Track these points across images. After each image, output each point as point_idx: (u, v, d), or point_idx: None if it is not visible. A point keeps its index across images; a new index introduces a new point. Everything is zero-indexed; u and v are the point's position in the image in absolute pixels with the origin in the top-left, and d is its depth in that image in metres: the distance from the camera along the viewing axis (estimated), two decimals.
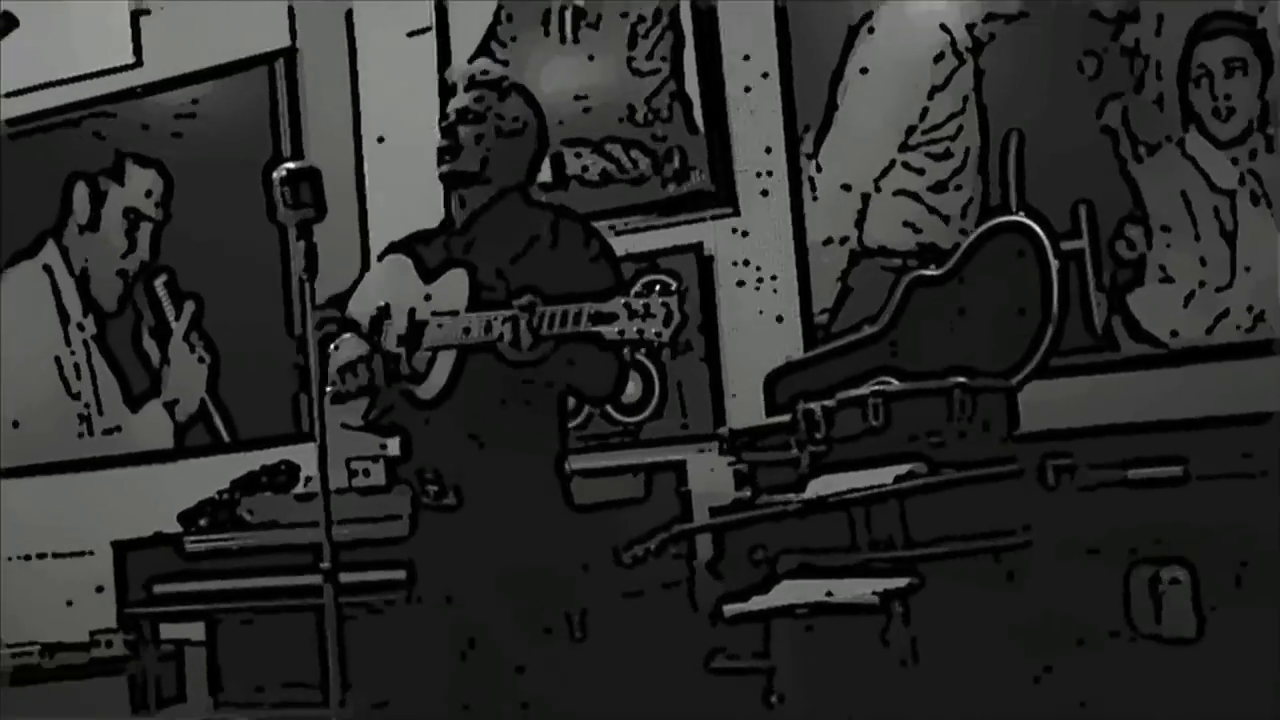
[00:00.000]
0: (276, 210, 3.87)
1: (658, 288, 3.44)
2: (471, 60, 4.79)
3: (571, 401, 4.19)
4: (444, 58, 6.57)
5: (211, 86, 7.12)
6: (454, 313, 3.90)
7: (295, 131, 6.94)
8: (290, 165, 3.89)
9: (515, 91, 4.26)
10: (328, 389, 3.96)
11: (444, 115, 4.16)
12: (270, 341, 6.84)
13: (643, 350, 3.49)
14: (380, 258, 4.31)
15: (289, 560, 5.72)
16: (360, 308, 4.25)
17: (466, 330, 3.82)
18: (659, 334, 3.41)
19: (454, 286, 4.00)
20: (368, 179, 6.82)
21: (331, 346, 4.13)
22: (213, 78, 7.13)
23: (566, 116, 6.32)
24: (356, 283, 4.34)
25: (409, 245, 4.25)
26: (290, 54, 7.02)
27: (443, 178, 4.12)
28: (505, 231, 4.10)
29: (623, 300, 3.45)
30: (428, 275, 4.09)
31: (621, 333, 3.42)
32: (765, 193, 6.18)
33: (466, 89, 4.19)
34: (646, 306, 3.39)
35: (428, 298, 4.06)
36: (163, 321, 7.29)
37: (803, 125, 6.15)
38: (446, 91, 4.24)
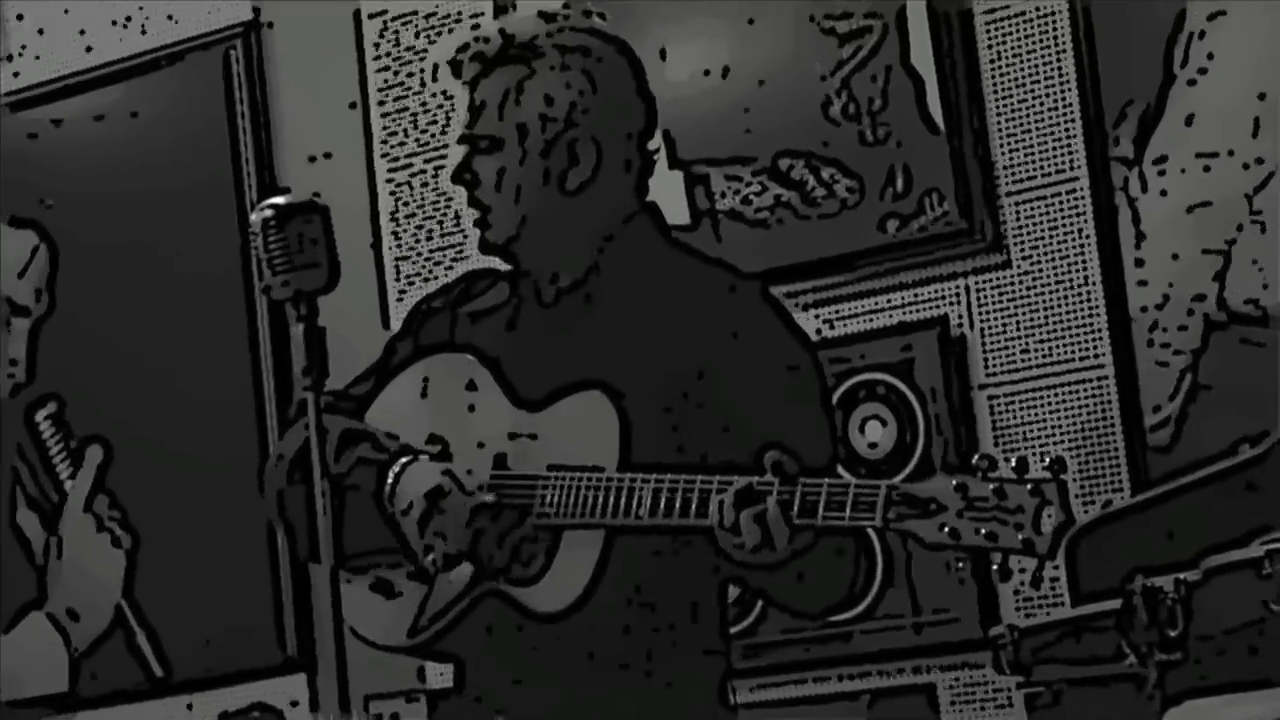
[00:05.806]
0: (260, 276, 3.42)
1: (1015, 463, 2.97)
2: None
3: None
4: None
5: (123, 90, 6.29)
6: (594, 469, 3.38)
7: (260, 146, 6.14)
8: (278, 201, 3.44)
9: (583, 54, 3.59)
10: (429, 557, 3.37)
11: (473, 141, 3.54)
12: (233, 504, 5.86)
13: (995, 569, 2.95)
14: (392, 354, 3.70)
15: None
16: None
17: (632, 500, 3.30)
18: (1028, 544, 2.91)
19: (586, 423, 3.46)
20: (384, 214, 5.99)
21: (391, 472, 3.47)
22: (125, 77, 6.29)
23: (711, 115, 5.63)
24: (371, 392, 3.66)
25: (464, 340, 3.64)
26: (252, 28, 6.22)
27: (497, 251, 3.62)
28: (644, 300, 3.54)
29: (954, 481, 3.01)
30: (513, 393, 3.52)
31: (954, 534, 2.95)
32: (1055, 227, 5.31)
33: (476, 80, 3.53)
34: (1001, 494, 2.94)
35: (532, 436, 3.51)
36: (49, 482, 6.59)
37: (1118, 107, 5.21)
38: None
